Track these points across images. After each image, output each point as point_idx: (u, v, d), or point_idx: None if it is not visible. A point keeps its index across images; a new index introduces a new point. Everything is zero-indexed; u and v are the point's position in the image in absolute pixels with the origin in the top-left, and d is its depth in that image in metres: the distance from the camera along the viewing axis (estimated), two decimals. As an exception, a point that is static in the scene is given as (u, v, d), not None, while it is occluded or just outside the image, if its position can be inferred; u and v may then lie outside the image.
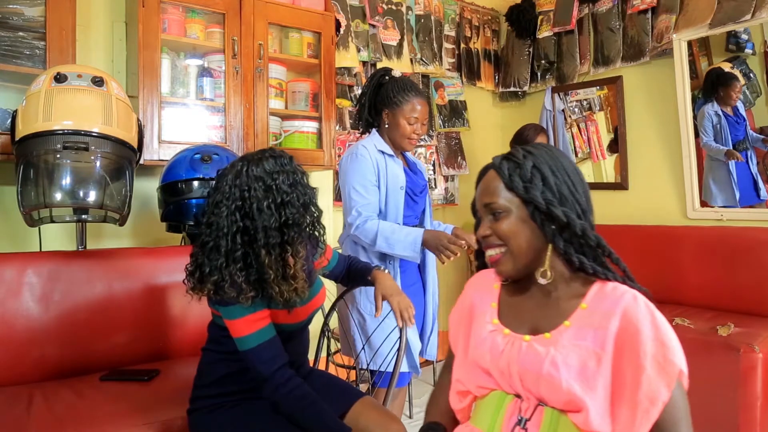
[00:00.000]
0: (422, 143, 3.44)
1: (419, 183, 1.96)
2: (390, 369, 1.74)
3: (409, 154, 2.05)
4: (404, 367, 1.80)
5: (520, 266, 0.95)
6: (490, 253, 0.97)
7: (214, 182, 1.32)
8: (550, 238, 0.93)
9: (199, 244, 1.28)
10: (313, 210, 1.34)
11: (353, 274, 1.66)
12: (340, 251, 1.78)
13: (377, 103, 1.91)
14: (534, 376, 0.87)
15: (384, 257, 1.87)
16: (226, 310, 1.26)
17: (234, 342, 1.27)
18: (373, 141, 1.90)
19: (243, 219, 1.24)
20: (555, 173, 0.94)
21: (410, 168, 1.99)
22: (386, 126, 1.90)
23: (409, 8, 3.38)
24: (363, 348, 1.81)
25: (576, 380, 0.84)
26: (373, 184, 1.83)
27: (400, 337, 1.57)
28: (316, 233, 1.38)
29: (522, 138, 2.89)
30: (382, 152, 1.88)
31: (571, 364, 0.85)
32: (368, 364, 1.80)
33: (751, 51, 2.70)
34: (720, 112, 2.74)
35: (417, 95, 1.87)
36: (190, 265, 1.30)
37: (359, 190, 1.82)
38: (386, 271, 1.62)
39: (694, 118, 2.83)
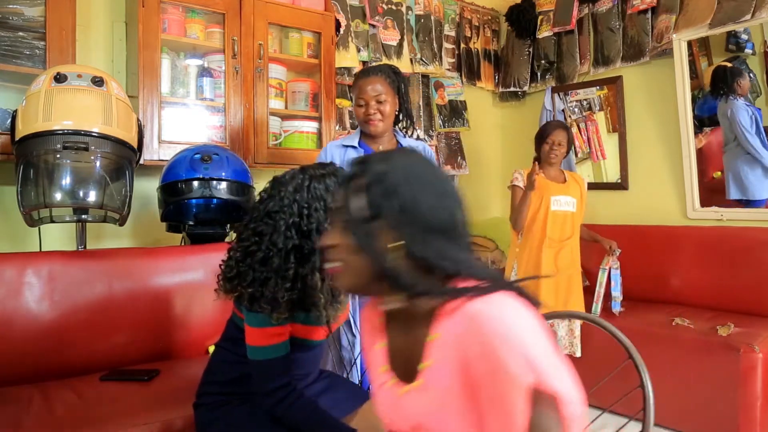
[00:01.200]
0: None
1: None
2: None
3: (405, 140, 2.01)
4: None
5: (360, 284, 0.81)
6: (330, 265, 0.82)
7: (268, 186, 1.25)
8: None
9: (242, 249, 1.22)
10: None
11: None
12: None
13: None
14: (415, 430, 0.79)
15: None
16: (250, 315, 1.23)
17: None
18: (347, 137, 1.96)
19: (299, 237, 1.17)
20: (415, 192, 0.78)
21: None
22: None
23: (409, 8, 3.38)
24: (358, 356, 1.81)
25: (457, 425, 0.74)
26: None
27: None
28: None
29: (540, 133, 2.85)
30: (345, 146, 1.91)
31: (445, 410, 0.75)
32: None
33: (751, 51, 2.70)
34: (748, 104, 2.69)
35: (361, 77, 1.89)
36: (227, 269, 1.24)
37: None
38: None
39: (694, 117, 2.83)
